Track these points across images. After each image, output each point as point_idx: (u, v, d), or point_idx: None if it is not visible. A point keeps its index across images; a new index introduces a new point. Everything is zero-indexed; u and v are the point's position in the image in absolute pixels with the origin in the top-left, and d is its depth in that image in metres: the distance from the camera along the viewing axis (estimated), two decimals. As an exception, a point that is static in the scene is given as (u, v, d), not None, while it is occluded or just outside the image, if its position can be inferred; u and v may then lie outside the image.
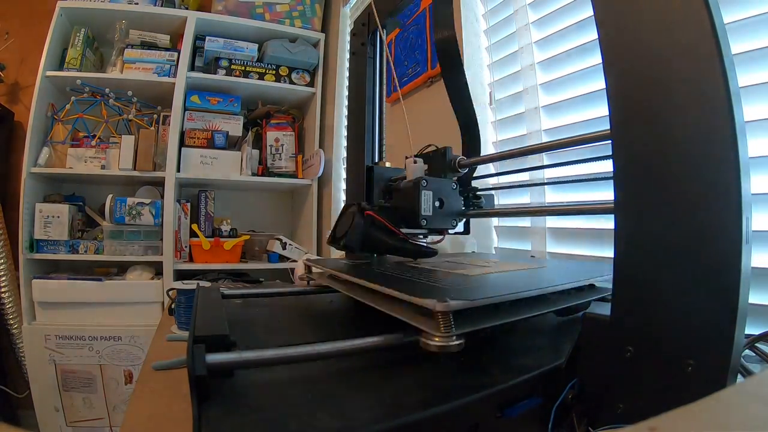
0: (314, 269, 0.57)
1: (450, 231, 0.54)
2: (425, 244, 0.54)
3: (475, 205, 0.56)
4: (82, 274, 1.54)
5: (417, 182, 0.49)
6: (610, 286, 0.44)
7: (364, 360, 0.32)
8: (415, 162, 0.55)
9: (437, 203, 0.50)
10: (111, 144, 1.60)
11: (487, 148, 0.97)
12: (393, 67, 1.19)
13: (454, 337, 0.28)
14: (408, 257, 0.55)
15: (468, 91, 0.62)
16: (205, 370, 0.24)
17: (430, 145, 0.60)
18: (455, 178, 0.56)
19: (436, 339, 0.28)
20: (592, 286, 0.44)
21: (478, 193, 0.56)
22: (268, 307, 0.52)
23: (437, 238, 0.55)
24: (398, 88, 1.04)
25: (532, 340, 0.39)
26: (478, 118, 1.01)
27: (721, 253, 0.24)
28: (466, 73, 0.97)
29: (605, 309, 0.30)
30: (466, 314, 0.29)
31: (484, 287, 0.38)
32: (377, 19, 0.68)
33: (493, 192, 0.58)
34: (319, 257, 1.61)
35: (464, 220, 0.59)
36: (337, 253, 1.32)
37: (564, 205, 0.47)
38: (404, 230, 0.52)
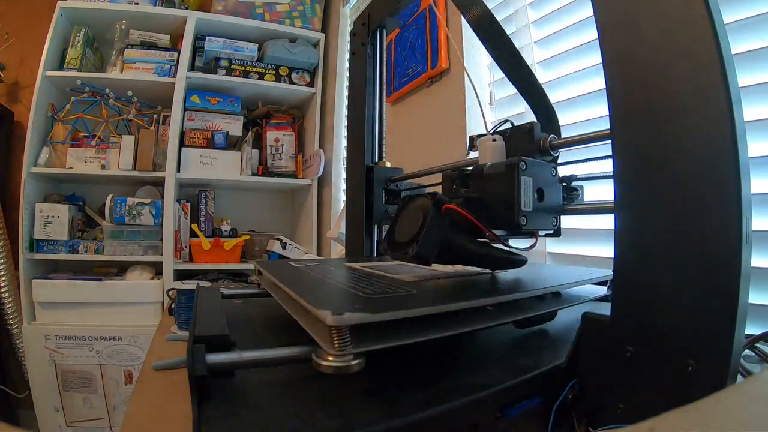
0: (261, 271, 0.50)
1: (542, 233, 0.41)
2: (516, 251, 0.42)
3: (569, 198, 0.42)
4: (82, 274, 1.54)
5: (512, 165, 0.36)
6: (585, 292, 0.43)
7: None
8: (494, 140, 0.41)
9: (536, 195, 0.37)
10: (111, 144, 1.60)
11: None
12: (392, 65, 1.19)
13: (351, 356, 0.24)
14: (491, 268, 0.42)
15: (525, 63, 0.50)
16: (205, 370, 0.24)
17: (505, 121, 0.46)
18: (553, 163, 0.42)
19: (329, 358, 0.24)
20: (557, 295, 0.39)
21: (575, 183, 0.42)
22: (268, 307, 0.52)
23: (529, 242, 0.42)
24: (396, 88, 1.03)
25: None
26: (478, 117, 1.01)
27: (721, 253, 0.24)
28: (467, 72, 0.97)
29: (605, 309, 0.30)
30: (376, 328, 0.25)
31: (409, 298, 0.31)
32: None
33: (583, 183, 0.45)
34: (318, 257, 1.62)
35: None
36: (337, 252, 1.32)
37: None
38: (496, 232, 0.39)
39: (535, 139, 0.42)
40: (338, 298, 0.32)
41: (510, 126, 0.45)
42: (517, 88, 0.51)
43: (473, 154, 0.46)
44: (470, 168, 0.44)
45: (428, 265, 0.41)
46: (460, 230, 0.38)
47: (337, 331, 0.24)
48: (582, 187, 0.44)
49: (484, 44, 0.51)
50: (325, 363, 0.24)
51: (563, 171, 0.43)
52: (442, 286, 0.37)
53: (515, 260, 0.41)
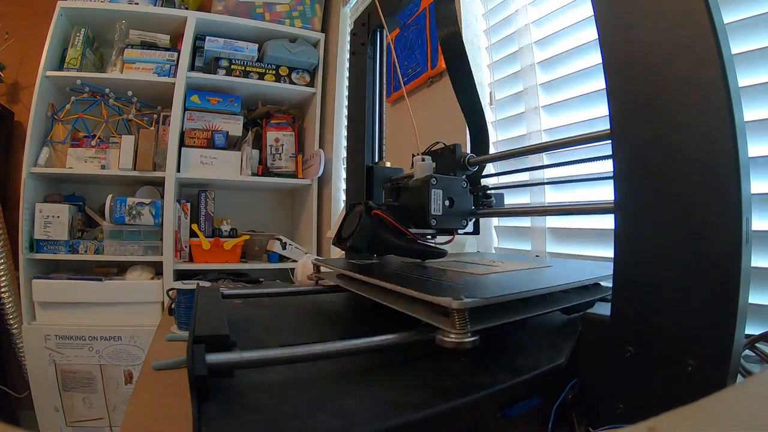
0: (323, 269, 0.57)
1: (459, 231, 0.52)
2: (434, 245, 0.52)
3: (485, 204, 0.54)
4: (82, 274, 1.54)
5: (426, 180, 0.48)
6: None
7: (364, 360, 0.32)
8: (423, 160, 0.53)
9: (447, 202, 0.49)
10: (111, 144, 1.60)
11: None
12: (397, 68, 1.19)
13: (469, 334, 0.28)
14: (416, 258, 0.54)
15: (475, 87, 0.60)
16: (205, 370, 0.24)
17: (438, 143, 0.58)
18: (465, 177, 0.54)
19: (452, 336, 0.28)
20: (597, 285, 0.44)
21: (489, 192, 0.54)
22: (268, 307, 0.52)
23: (446, 238, 0.53)
24: (402, 85, 1.03)
25: (540, 337, 0.40)
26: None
27: (721, 253, 0.24)
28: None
29: (605, 309, 0.30)
30: (479, 312, 0.30)
31: (493, 286, 0.39)
32: (381, 15, 0.66)
33: (503, 191, 0.56)
34: (319, 257, 1.62)
35: (474, 219, 0.57)
36: (337, 253, 1.32)
37: (564, 205, 0.47)
38: (413, 230, 0.50)
39: (457, 157, 0.54)
40: (444, 288, 0.36)
41: (442, 146, 0.57)
42: (462, 108, 0.61)
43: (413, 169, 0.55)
44: (402, 181, 0.56)
45: (360, 254, 0.52)
46: (387, 229, 0.49)
47: (458, 313, 0.29)
48: (501, 195, 0.56)
49: (446, 61, 0.61)
50: (449, 340, 0.29)
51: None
52: (512, 278, 0.43)
53: (433, 252, 0.51)
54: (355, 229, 0.48)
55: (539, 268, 0.49)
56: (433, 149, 0.58)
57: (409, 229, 0.50)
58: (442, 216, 0.48)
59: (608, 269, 0.46)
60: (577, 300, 0.40)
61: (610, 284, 0.44)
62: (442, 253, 0.51)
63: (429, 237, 0.53)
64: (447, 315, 0.29)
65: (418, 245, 0.51)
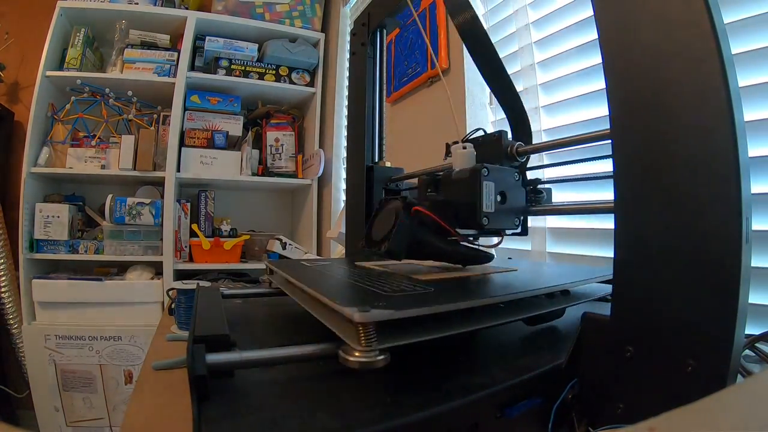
0: (274, 271, 0.52)
1: (508, 232, 0.44)
2: (481, 248, 0.46)
3: (535, 200, 0.46)
4: (82, 274, 1.54)
5: (476, 171, 0.39)
6: (590, 290, 0.43)
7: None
8: (464, 148, 0.44)
9: (499, 197, 0.41)
10: (111, 144, 1.60)
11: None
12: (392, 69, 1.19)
13: (377, 352, 0.25)
14: (461, 264, 0.46)
15: (505, 70, 0.52)
16: (205, 370, 0.24)
17: (478, 129, 0.49)
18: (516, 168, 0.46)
19: (356, 354, 0.25)
20: (566, 292, 0.40)
21: (539, 186, 0.46)
22: (268, 307, 0.52)
23: (494, 240, 0.45)
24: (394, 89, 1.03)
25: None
26: (478, 118, 1.01)
27: (721, 253, 0.24)
28: (465, 73, 0.97)
29: (605, 309, 0.30)
30: (399, 325, 0.26)
31: (428, 295, 0.32)
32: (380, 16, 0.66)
33: (551, 186, 0.48)
34: (318, 257, 1.62)
35: (523, 218, 0.47)
36: (337, 253, 1.32)
37: (564, 205, 0.46)
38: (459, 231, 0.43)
39: (503, 146, 0.45)
40: (361, 296, 0.33)
41: (482, 134, 0.48)
42: (495, 95, 0.53)
43: (450, 160, 0.48)
44: (441, 173, 0.47)
45: (399, 260, 0.44)
46: (428, 230, 0.42)
47: (363, 327, 0.25)
48: (550, 189, 0.47)
49: (468, 50, 0.53)
50: (352, 358, 0.25)
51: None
52: (457, 284, 0.38)
53: (481, 256, 0.44)
54: (392, 230, 0.41)
55: (501, 273, 0.44)
56: (471, 137, 0.49)
57: (456, 230, 0.42)
58: (495, 214, 0.40)
59: (585, 273, 0.44)
60: (535, 311, 0.35)
61: (581, 290, 0.42)
62: (490, 258, 0.45)
63: (471, 239, 0.45)
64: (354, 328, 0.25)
65: (465, 248, 0.43)
